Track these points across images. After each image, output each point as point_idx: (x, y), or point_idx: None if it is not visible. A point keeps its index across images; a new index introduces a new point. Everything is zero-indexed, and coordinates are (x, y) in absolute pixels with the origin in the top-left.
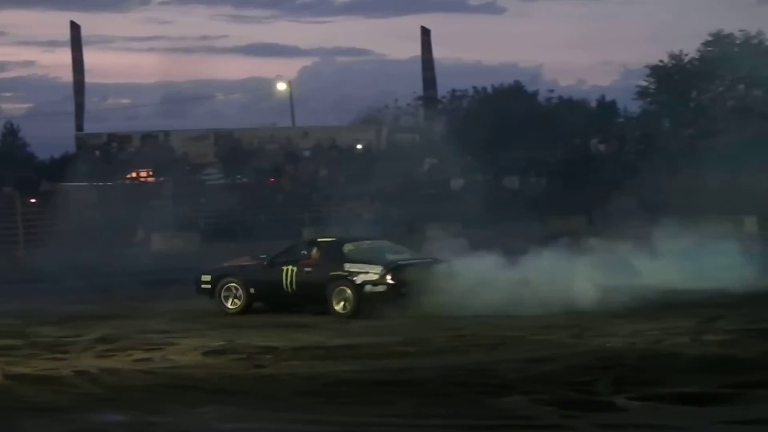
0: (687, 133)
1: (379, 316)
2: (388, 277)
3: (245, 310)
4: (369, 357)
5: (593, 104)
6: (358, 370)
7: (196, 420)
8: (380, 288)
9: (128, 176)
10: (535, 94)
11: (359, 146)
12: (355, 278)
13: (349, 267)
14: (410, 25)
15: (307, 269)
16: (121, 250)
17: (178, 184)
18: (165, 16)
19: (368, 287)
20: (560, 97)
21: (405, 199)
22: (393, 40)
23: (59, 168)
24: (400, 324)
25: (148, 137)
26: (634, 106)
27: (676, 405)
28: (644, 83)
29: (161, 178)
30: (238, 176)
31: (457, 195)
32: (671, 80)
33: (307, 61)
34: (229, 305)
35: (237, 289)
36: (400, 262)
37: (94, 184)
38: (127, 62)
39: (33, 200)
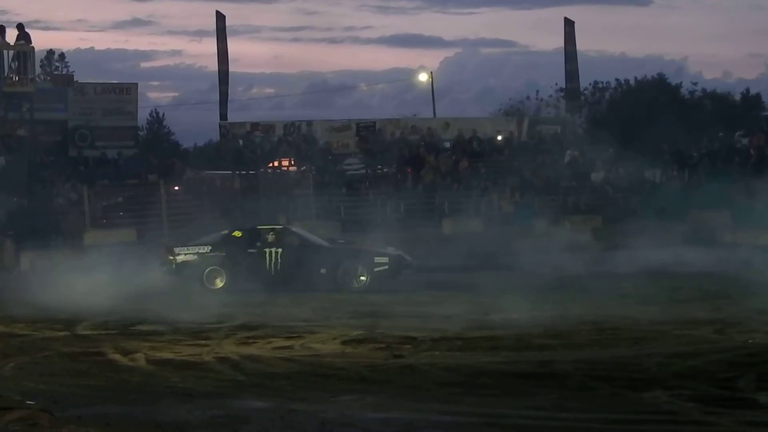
0: None
1: None
2: None
3: None
4: (509, 348)
5: (737, 97)
6: (499, 362)
7: (337, 408)
8: None
9: (270, 165)
10: (679, 86)
11: (500, 138)
12: None
13: None
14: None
15: None
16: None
17: (319, 173)
18: (312, 6)
19: None
20: (704, 90)
21: (545, 191)
22: (537, 31)
23: (203, 156)
24: (541, 316)
25: (290, 126)
26: None
27: None
28: None
29: (303, 168)
30: (379, 166)
31: (598, 188)
32: None
33: (450, 52)
34: None
35: None
36: None
37: (237, 172)
38: (273, 52)
39: (177, 188)
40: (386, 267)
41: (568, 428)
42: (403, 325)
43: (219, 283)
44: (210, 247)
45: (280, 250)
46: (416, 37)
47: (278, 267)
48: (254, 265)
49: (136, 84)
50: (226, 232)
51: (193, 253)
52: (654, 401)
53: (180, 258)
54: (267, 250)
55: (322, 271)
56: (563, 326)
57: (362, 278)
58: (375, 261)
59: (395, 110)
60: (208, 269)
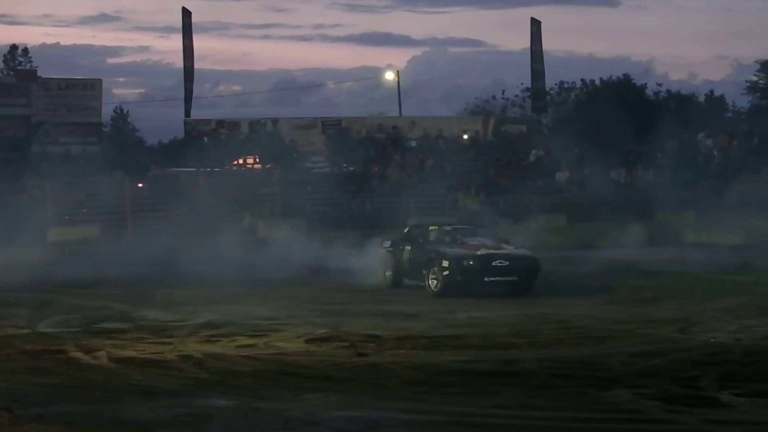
0: None
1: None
2: None
3: None
4: (474, 347)
5: (702, 98)
6: (464, 360)
7: (301, 407)
8: None
9: (235, 162)
10: (644, 87)
11: (465, 137)
12: None
13: None
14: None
15: None
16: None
17: (285, 171)
18: (281, 4)
19: None
20: (668, 91)
21: (510, 190)
22: (506, 31)
23: (167, 153)
24: (507, 315)
25: (256, 124)
26: (744, 102)
27: None
28: (754, 78)
29: (268, 165)
30: (345, 164)
31: (563, 187)
32: None
33: (418, 51)
34: None
35: None
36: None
37: (202, 169)
38: (242, 49)
39: (141, 185)
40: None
41: (532, 426)
42: (367, 323)
43: None
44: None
45: None
46: (385, 35)
47: None
48: None
49: (101, 80)
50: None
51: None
52: (617, 400)
53: None
54: None
55: None
56: (528, 325)
57: None
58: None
59: (363, 108)
60: None
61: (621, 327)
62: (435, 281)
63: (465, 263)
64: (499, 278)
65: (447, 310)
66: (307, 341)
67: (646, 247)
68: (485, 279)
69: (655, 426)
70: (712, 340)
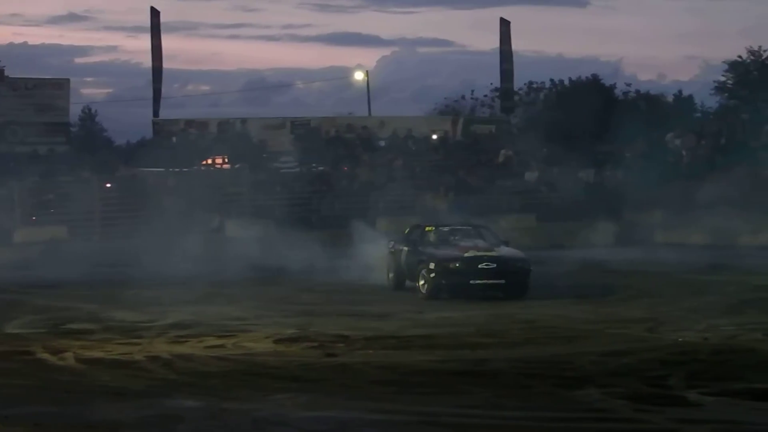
0: (765, 128)
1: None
2: None
3: None
4: (443, 347)
5: (670, 99)
6: (433, 360)
7: (270, 407)
8: None
9: (204, 162)
10: (613, 87)
11: (434, 137)
12: None
13: None
14: (493, 16)
15: None
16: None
17: (254, 171)
18: (250, 3)
19: None
20: (637, 91)
21: (479, 190)
22: (476, 31)
23: (136, 153)
24: (476, 315)
25: (225, 124)
26: (713, 102)
27: (750, 401)
28: (722, 78)
29: (237, 165)
30: (314, 164)
31: (532, 187)
32: (750, 75)
33: (387, 51)
34: None
35: None
36: None
37: (171, 169)
38: (211, 49)
39: (109, 185)
40: None
41: (502, 426)
42: (336, 323)
43: None
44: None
45: None
46: (354, 35)
47: None
48: None
49: (68, 80)
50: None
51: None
52: (587, 399)
53: None
54: None
55: None
56: (497, 325)
57: None
58: None
59: (332, 108)
60: None
61: (590, 327)
62: (424, 284)
63: (451, 265)
64: (485, 281)
65: (416, 311)
66: (276, 341)
67: (615, 247)
68: (471, 282)
69: (624, 425)
70: (680, 340)
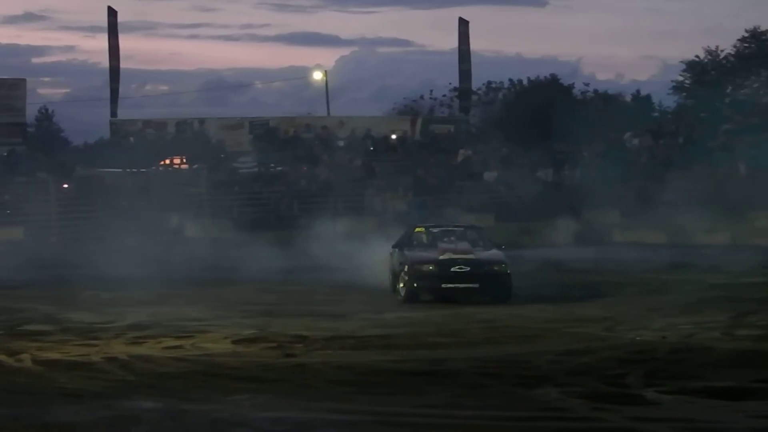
0: (723, 128)
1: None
2: None
3: None
4: (402, 347)
5: (629, 98)
6: (391, 360)
7: (229, 408)
8: None
9: (162, 163)
10: (571, 87)
11: (394, 136)
12: None
13: None
14: (453, 16)
15: None
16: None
17: (212, 171)
18: (209, 3)
19: None
20: (596, 91)
21: (439, 190)
22: (435, 31)
23: (93, 154)
24: (435, 315)
25: (183, 124)
26: (670, 101)
27: (707, 399)
28: (680, 78)
29: (195, 166)
30: (273, 165)
31: (491, 187)
32: (707, 75)
33: (346, 51)
34: None
35: None
36: None
37: (129, 170)
38: (170, 49)
39: (66, 186)
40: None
41: (460, 426)
42: (295, 323)
43: None
44: None
45: None
46: (314, 35)
47: None
48: None
49: (24, 80)
50: None
51: None
52: (544, 398)
53: None
54: None
55: None
56: (456, 324)
57: None
58: None
59: (291, 108)
60: None
61: (548, 326)
62: (403, 287)
63: (423, 269)
64: (457, 285)
65: (375, 311)
66: (235, 342)
67: (574, 246)
68: (442, 285)
69: (582, 424)
70: (638, 339)
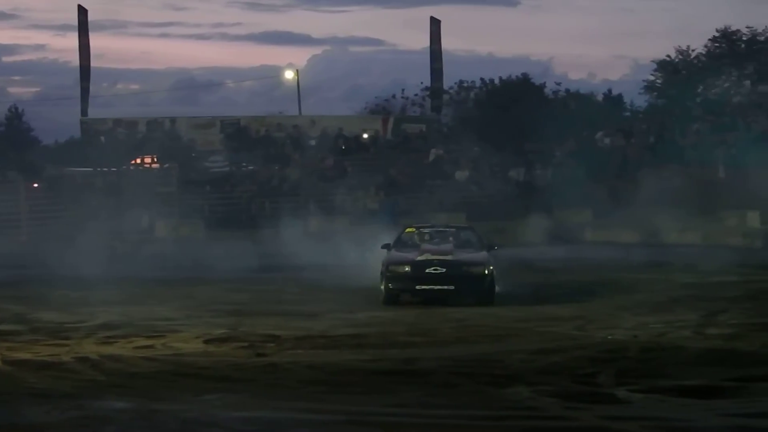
0: (693, 128)
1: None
2: None
3: None
4: (373, 346)
5: (600, 98)
6: (363, 360)
7: (200, 407)
8: None
9: (133, 162)
10: (543, 86)
11: (365, 136)
12: None
13: None
14: (425, 15)
15: None
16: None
17: (183, 170)
18: (180, 2)
19: None
20: (567, 90)
21: (410, 189)
22: (407, 30)
23: (64, 153)
24: (406, 314)
25: (154, 123)
26: (642, 101)
27: (679, 398)
28: (651, 77)
29: (166, 165)
30: (244, 164)
31: (463, 186)
32: (678, 75)
33: (318, 50)
34: None
35: None
36: None
37: (100, 169)
38: (140, 48)
39: (36, 185)
40: None
41: (431, 425)
42: (266, 323)
43: None
44: None
45: None
46: (285, 34)
47: None
48: None
49: None
50: None
51: None
52: (516, 397)
53: None
54: None
55: None
56: (427, 324)
57: None
58: None
59: (262, 108)
60: None
61: (520, 325)
62: (383, 288)
63: (399, 270)
64: (432, 286)
65: (347, 310)
66: (206, 342)
67: (545, 246)
68: (416, 287)
69: (553, 422)
70: (609, 337)
